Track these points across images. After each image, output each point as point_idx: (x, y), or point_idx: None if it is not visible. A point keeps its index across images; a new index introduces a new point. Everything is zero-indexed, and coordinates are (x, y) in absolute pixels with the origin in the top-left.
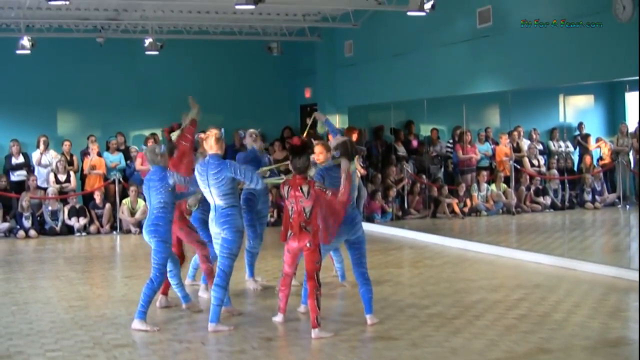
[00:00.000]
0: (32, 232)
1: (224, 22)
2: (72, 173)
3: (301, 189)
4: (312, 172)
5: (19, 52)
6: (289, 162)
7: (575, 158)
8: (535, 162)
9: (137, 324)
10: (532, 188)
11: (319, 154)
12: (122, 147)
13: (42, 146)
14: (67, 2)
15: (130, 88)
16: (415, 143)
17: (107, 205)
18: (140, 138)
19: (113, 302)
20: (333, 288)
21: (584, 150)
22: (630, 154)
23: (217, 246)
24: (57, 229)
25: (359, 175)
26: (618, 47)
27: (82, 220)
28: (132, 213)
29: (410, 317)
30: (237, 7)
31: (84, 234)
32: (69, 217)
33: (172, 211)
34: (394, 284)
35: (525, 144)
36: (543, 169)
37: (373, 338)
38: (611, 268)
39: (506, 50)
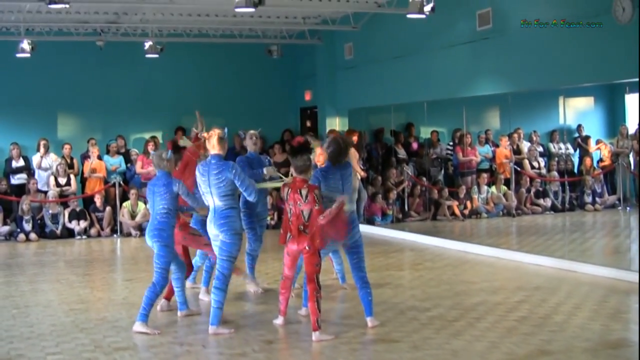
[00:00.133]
0: (33, 236)
1: (224, 25)
2: (72, 176)
3: (300, 192)
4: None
5: (19, 55)
6: (290, 174)
7: (576, 160)
8: (535, 164)
9: (138, 327)
10: (533, 190)
11: (318, 156)
12: (123, 150)
13: (42, 149)
14: (67, 6)
15: (130, 91)
16: (415, 145)
17: (108, 209)
18: (140, 141)
19: (114, 305)
20: (333, 290)
21: (584, 152)
22: (631, 155)
23: (215, 249)
24: (58, 232)
25: (359, 177)
26: (618, 49)
27: (83, 224)
28: (133, 216)
29: (411, 320)
30: (237, 10)
31: (84, 237)
32: (70, 220)
33: (175, 217)
34: (394, 286)
35: (525, 146)
36: (543, 171)
37: (374, 340)
38: (611, 270)
39: (506, 52)
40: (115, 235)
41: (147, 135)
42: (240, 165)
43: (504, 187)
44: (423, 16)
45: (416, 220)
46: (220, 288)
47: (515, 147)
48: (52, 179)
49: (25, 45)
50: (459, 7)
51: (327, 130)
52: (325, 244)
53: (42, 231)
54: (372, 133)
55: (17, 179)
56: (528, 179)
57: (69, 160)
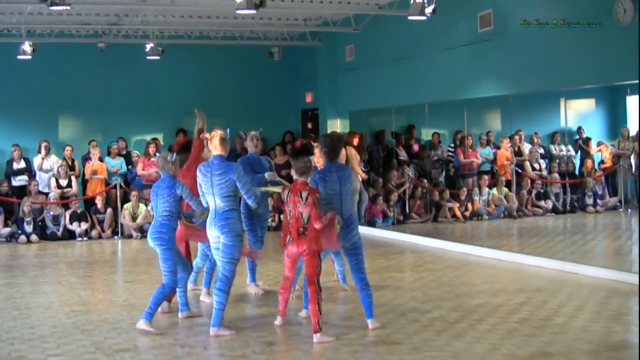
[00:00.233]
0: (34, 237)
1: (225, 27)
2: (73, 178)
3: (300, 194)
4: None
5: (20, 57)
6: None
7: (577, 162)
8: (536, 166)
9: (142, 324)
10: (534, 192)
11: (319, 157)
12: (124, 152)
13: (43, 151)
14: (68, 8)
15: (131, 93)
16: (416, 147)
17: (109, 210)
18: (141, 143)
19: (115, 307)
20: (334, 292)
21: (585, 154)
22: (632, 157)
23: (215, 251)
24: (59, 233)
25: (360, 179)
26: (619, 51)
27: (84, 225)
28: (134, 218)
29: (412, 322)
30: (238, 11)
31: (85, 238)
32: (71, 222)
33: (176, 219)
34: (395, 288)
35: (526, 147)
36: (544, 172)
37: (375, 342)
38: (612, 272)
39: (507, 54)
40: (116, 237)
41: (148, 137)
42: (241, 167)
43: (505, 189)
44: (424, 18)
45: (417, 222)
46: (222, 290)
47: (516, 149)
48: (53, 180)
49: (27, 47)
50: (460, 9)
51: (329, 132)
52: (323, 247)
53: (43, 233)
54: (373, 135)
55: (18, 181)
56: (529, 181)
57: (70, 162)
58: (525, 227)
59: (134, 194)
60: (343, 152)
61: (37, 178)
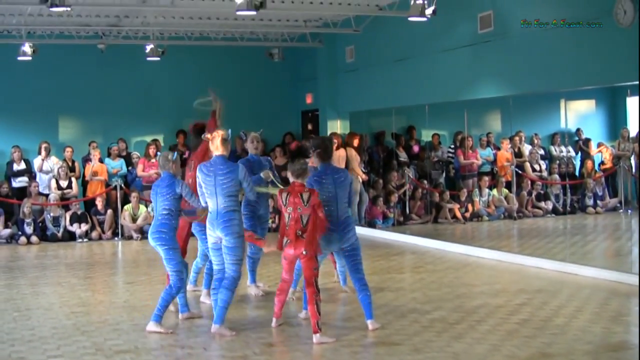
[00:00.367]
0: (34, 239)
1: (225, 28)
2: (73, 179)
3: (301, 196)
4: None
5: (20, 58)
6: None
7: (577, 163)
8: (536, 167)
9: (152, 326)
10: (534, 193)
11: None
12: (124, 154)
13: (43, 152)
14: (69, 9)
15: (131, 94)
16: (416, 148)
17: (109, 212)
18: (141, 144)
19: (115, 308)
20: (334, 294)
21: (586, 155)
22: (632, 158)
23: (213, 251)
24: (59, 235)
25: (361, 180)
26: (619, 52)
27: (84, 227)
28: (134, 219)
29: (412, 323)
30: (238, 13)
31: (85, 240)
32: (71, 224)
33: (176, 218)
34: (395, 289)
35: (526, 149)
36: (544, 173)
37: (375, 343)
38: (613, 273)
39: (507, 55)
40: (116, 238)
41: (148, 138)
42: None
43: (505, 190)
44: (424, 19)
45: (417, 223)
46: (228, 288)
47: (516, 150)
48: (53, 182)
49: (27, 48)
50: (461, 10)
51: (329, 134)
52: (321, 252)
53: (43, 234)
54: (373, 136)
55: (19, 182)
56: (529, 182)
57: (70, 163)
58: (526, 228)
59: (134, 195)
60: (343, 153)
61: (38, 179)
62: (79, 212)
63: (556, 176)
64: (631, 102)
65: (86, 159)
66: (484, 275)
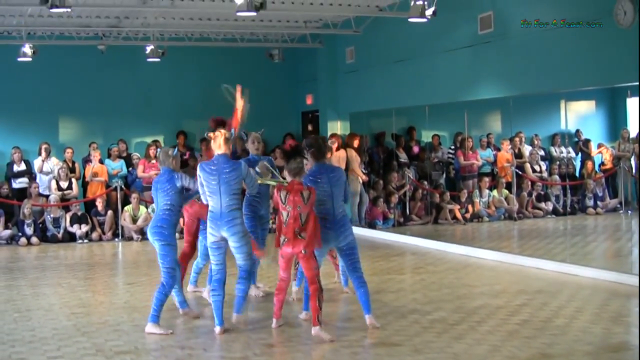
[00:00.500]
0: (34, 240)
1: (225, 28)
2: (73, 180)
3: (302, 194)
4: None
5: (20, 59)
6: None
7: (577, 164)
8: (536, 167)
9: (150, 328)
10: (534, 194)
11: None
12: (124, 154)
13: (43, 153)
14: (69, 10)
15: (131, 95)
16: (416, 149)
17: (109, 212)
18: (142, 145)
19: (115, 309)
20: (335, 294)
21: (586, 156)
22: (632, 159)
23: (213, 250)
24: (59, 236)
25: (361, 181)
26: (619, 53)
27: (84, 228)
28: (134, 220)
29: (412, 323)
30: (239, 14)
31: (85, 241)
32: (71, 224)
33: (177, 214)
34: (395, 290)
35: (526, 149)
36: (545, 174)
37: (375, 344)
38: (613, 273)
39: (507, 56)
40: (116, 239)
41: (148, 139)
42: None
43: (506, 191)
44: (424, 20)
45: (417, 224)
46: (245, 278)
47: (516, 150)
48: (53, 182)
49: (27, 49)
50: (461, 11)
51: (329, 135)
52: (321, 246)
53: (43, 235)
54: (373, 137)
55: (19, 183)
56: (529, 183)
57: (70, 164)
58: (526, 229)
59: (134, 196)
60: (343, 154)
61: (38, 180)
62: (79, 213)
63: (556, 177)
64: (631, 103)
65: (86, 160)
66: (484, 276)
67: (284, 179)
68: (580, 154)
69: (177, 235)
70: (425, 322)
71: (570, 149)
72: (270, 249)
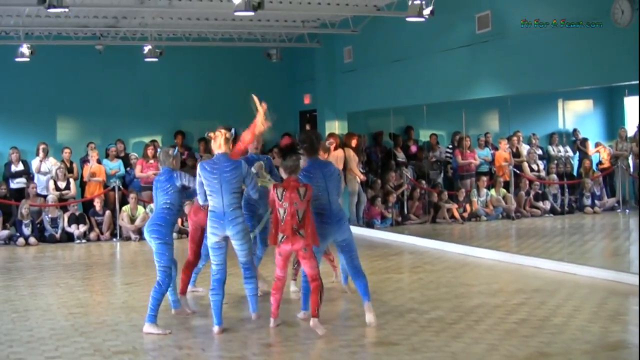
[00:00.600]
0: (32, 240)
1: (223, 28)
2: (71, 180)
3: (298, 191)
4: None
5: (18, 59)
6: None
7: (575, 163)
8: (534, 167)
9: (148, 328)
10: (532, 193)
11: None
12: (122, 154)
13: (41, 153)
14: (67, 10)
15: (129, 95)
16: (414, 148)
17: (107, 213)
18: (140, 145)
19: (113, 309)
20: (334, 293)
21: (584, 155)
22: (630, 158)
23: (214, 251)
24: (57, 236)
25: (359, 181)
26: (617, 52)
27: (82, 228)
28: (132, 220)
29: (410, 322)
30: (237, 13)
31: (83, 241)
32: (69, 225)
33: (176, 213)
34: (393, 289)
35: (524, 149)
36: (542, 173)
37: (373, 343)
38: (611, 272)
39: (505, 55)
40: (114, 239)
41: (146, 139)
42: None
43: (503, 190)
44: (422, 19)
45: (415, 223)
46: (252, 276)
47: (514, 150)
48: (51, 183)
49: (25, 49)
50: (458, 10)
51: (327, 134)
52: (318, 244)
53: (41, 235)
54: (371, 136)
55: (17, 183)
56: (527, 182)
57: (68, 165)
58: (524, 228)
59: (132, 196)
60: (341, 153)
61: (36, 180)
62: (77, 213)
63: (554, 176)
64: (629, 101)
65: (84, 160)
66: (482, 275)
67: (282, 179)
68: (578, 153)
69: (174, 235)
70: (423, 321)
71: (568, 148)
72: (268, 249)
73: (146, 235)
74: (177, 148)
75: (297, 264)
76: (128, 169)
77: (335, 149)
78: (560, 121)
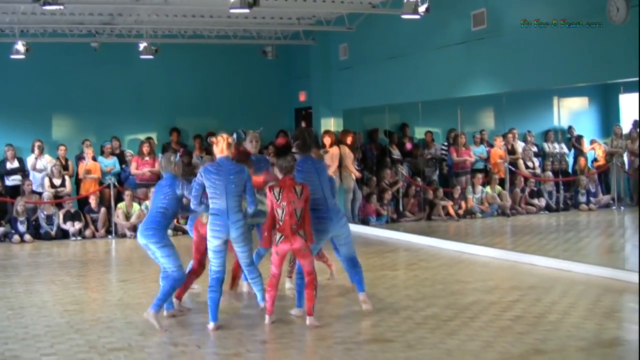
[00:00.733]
0: (28, 237)
1: (218, 26)
2: (67, 177)
3: (295, 189)
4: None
5: (13, 57)
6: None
7: (570, 160)
8: (530, 164)
9: (150, 315)
10: (527, 190)
11: None
12: (117, 152)
13: (37, 151)
14: (62, 7)
15: (125, 92)
16: (409, 146)
17: (102, 210)
18: (135, 142)
19: (108, 306)
20: (328, 290)
21: (579, 152)
22: (625, 155)
23: (215, 254)
24: (53, 233)
25: (354, 178)
26: (612, 49)
27: (77, 225)
28: (127, 217)
29: (406, 319)
30: (232, 10)
31: (79, 238)
32: (64, 222)
33: (171, 218)
34: (389, 286)
35: (519, 146)
36: (538, 171)
37: (368, 340)
38: (606, 269)
39: (500, 52)
40: (109, 237)
41: (142, 137)
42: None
43: (499, 187)
44: (417, 17)
45: (411, 221)
46: (258, 275)
47: (509, 147)
48: (46, 180)
49: (20, 46)
50: (454, 8)
51: (322, 131)
52: (319, 237)
53: (36, 232)
54: (366, 133)
55: (12, 181)
56: (522, 179)
57: (63, 162)
58: (519, 225)
59: (127, 193)
60: (336, 150)
61: (31, 178)
62: (72, 211)
63: (549, 173)
64: (624, 99)
65: (80, 157)
66: (477, 272)
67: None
68: (573, 151)
69: (169, 232)
70: (418, 318)
71: (563, 145)
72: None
73: (141, 238)
74: (178, 154)
75: (293, 261)
76: (123, 166)
77: (331, 146)
78: (556, 118)
